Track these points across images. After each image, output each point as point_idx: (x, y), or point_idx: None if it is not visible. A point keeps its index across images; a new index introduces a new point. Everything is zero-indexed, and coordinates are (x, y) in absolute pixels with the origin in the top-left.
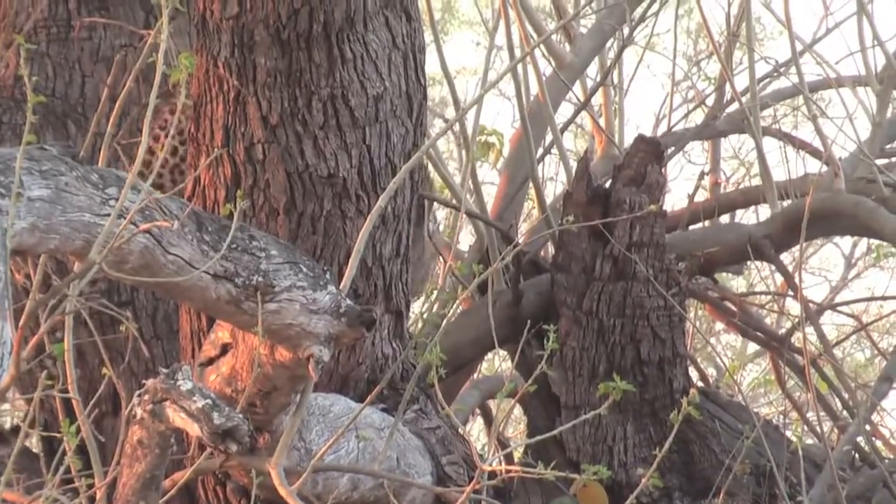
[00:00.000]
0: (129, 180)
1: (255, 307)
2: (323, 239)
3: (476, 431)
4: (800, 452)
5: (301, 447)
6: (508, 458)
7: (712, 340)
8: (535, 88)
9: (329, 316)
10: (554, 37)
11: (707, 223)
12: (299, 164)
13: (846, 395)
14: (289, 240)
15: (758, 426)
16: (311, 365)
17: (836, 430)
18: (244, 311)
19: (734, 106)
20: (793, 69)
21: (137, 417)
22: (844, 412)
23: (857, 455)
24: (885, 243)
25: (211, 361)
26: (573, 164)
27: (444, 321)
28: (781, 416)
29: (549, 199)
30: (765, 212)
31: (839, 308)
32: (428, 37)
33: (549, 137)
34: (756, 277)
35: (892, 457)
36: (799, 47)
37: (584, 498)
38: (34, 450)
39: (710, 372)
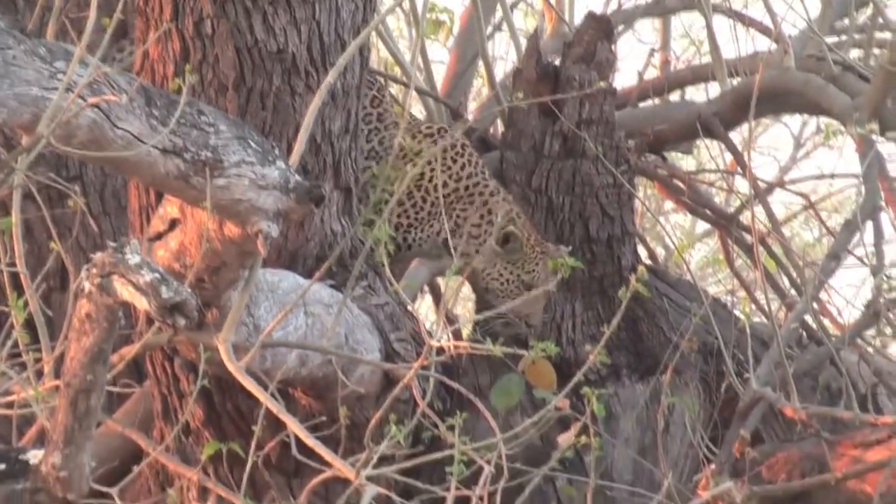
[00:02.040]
0: (77, 54)
1: (203, 182)
2: (272, 115)
3: (424, 308)
4: (747, 330)
5: (249, 323)
6: (457, 335)
7: (661, 219)
8: None
9: (278, 192)
10: None
11: (657, 101)
12: (248, 40)
13: (794, 274)
14: (238, 116)
15: (706, 304)
16: (260, 241)
17: (783, 308)
18: (193, 187)
19: None
20: None
21: (85, 291)
22: (792, 290)
23: (804, 333)
24: (834, 122)
25: (159, 237)
26: (523, 42)
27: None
28: (729, 295)
29: (498, 77)
30: (714, 90)
31: (788, 186)
32: None
33: (499, 15)
34: (706, 156)
35: (838, 334)
36: None
37: (532, 375)
38: None
39: (659, 251)
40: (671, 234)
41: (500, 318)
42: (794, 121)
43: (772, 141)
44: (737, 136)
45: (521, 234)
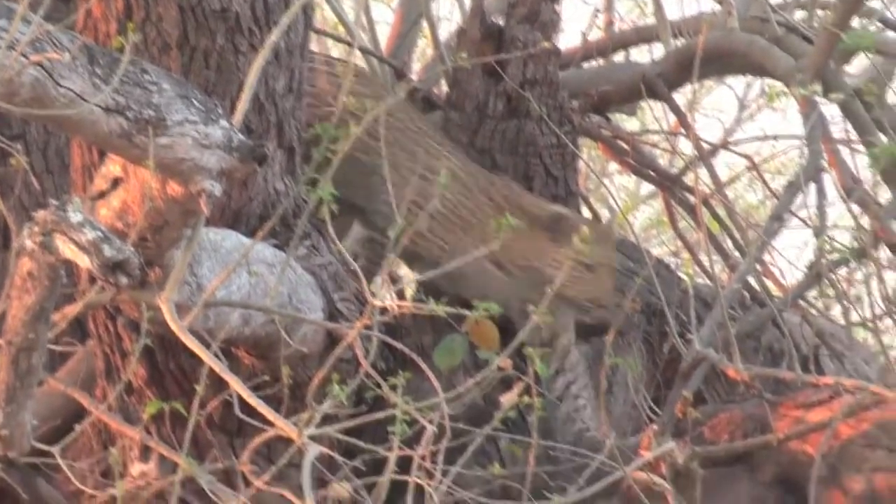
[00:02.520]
0: (20, 12)
1: (146, 141)
2: (215, 74)
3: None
4: (690, 291)
5: (192, 282)
6: (400, 295)
7: (606, 181)
8: None
9: (221, 151)
10: None
11: (601, 62)
12: None
13: (737, 235)
14: (181, 75)
15: (649, 265)
16: (203, 200)
17: (726, 270)
18: (136, 146)
19: None
20: None
21: (27, 249)
22: (735, 252)
23: (747, 294)
24: (777, 83)
25: (102, 195)
26: (467, 3)
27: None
28: (673, 256)
29: (443, 37)
30: (659, 51)
31: (732, 148)
32: None
33: None
34: (650, 118)
35: (781, 296)
36: None
37: (475, 335)
38: None
39: (604, 212)
40: (615, 196)
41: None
42: (738, 82)
43: (716, 103)
44: (681, 97)
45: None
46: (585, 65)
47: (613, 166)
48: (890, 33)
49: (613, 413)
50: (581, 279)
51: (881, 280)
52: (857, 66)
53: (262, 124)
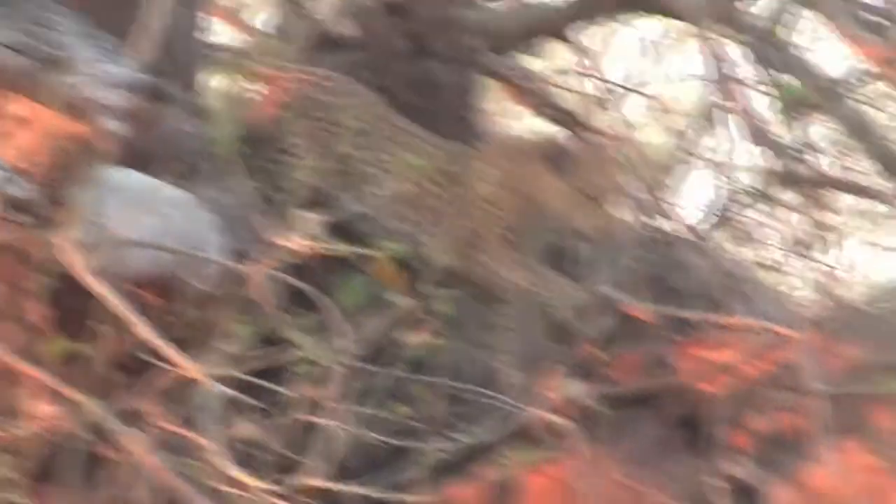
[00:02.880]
0: None
1: (52, 81)
2: (120, 13)
3: None
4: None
5: (97, 222)
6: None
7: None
8: None
9: (125, 90)
10: None
11: (506, 2)
12: None
13: (645, 176)
14: (84, 13)
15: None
16: (108, 139)
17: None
18: (41, 85)
19: None
20: None
21: None
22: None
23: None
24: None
25: (6, 135)
26: None
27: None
28: None
29: None
30: None
31: (637, 89)
32: None
33: None
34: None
35: (687, 236)
36: None
37: (379, 274)
38: None
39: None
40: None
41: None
42: (645, 23)
43: (621, 43)
44: (587, 38)
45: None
46: (491, 4)
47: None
48: None
49: (520, 354)
50: (585, 208)
51: (786, 221)
52: (763, 6)
53: (168, 64)
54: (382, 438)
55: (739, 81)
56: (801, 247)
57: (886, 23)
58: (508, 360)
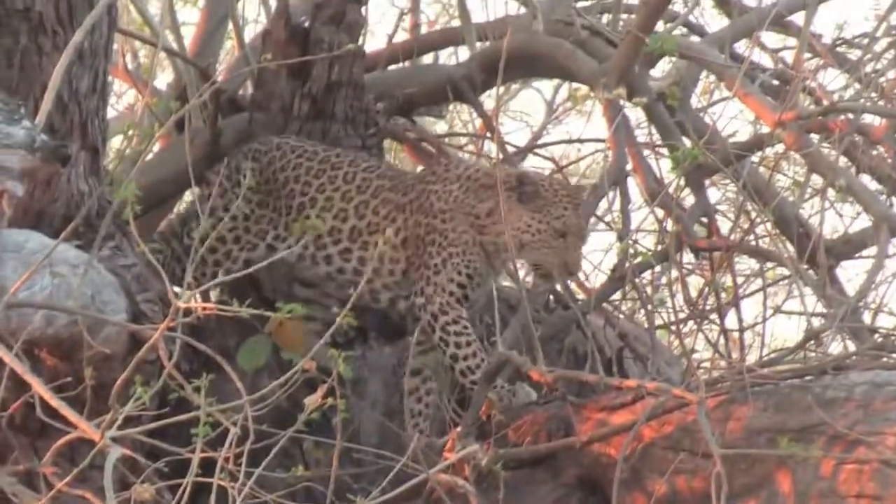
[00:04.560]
0: None
1: None
2: (18, 74)
3: None
4: (495, 293)
5: None
6: (205, 297)
7: None
8: None
9: (23, 151)
10: None
11: (407, 64)
12: None
13: None
14: None
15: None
16: (5, 200)
17: (531, 273)
18: None
19: None
20: None
21: None
22: None
23: (551, 297)
24: (583, 86)
25: None
26: (273, 3)
27: (141, 158)
28: None
29: (249, 38)
30: (464, 53)
31: (537, 150)
32: None
33: None
34: (458, 120)
35: (585, 298)
36: None
37: (279, 336)
38: None
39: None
40: None
41: (536, 269)
42: (546, 86)
43: (524, 105)
44: (488, 100)
45: (535, 177)
46: (391, 67)
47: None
48: (694, 37)
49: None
50: (551, 246)
51: (684, 284)
52: (661, 69)
53: (65, 125)
54: (279, 500)
55: (639, 144)
56: (700, 309)
57: (784, 86)
58: (407, 420)
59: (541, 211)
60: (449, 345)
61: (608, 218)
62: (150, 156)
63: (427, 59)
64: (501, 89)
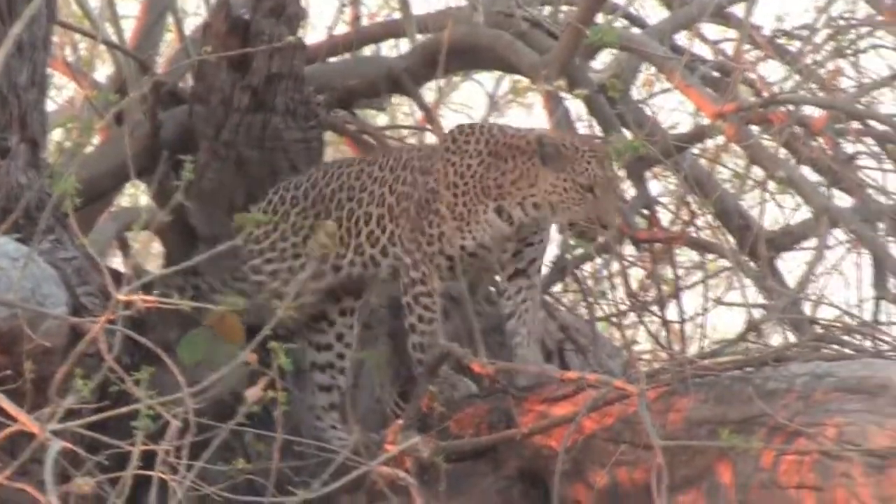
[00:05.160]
0: None
1: None
2: None
3: (115, 263)
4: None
5: None
6: (146, 289)
7: None
8: None
9: None
10: None
11: (347, 56)
12: None
13: None
14: None
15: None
16: None
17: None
18: None
19: None
20: None
21: None
22: None
23: (493, 289)
24: (524, 78)
25: None
26: None
27: (81, 151)
28: None
29: (189, 31)
30: (405, 46)
31: None
32: None
33: None
34: (399, 113)
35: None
36: None
37: (220, 329)
38: None
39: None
40: None
41: (572, 228)
42: (488, 78)
43: (466, 98)
44: (430, 92)
45: (553, 139)
46: (332, 59)
47: None
48: (634, 29)
49: (360, 407)
50: (583, 200)
51: (625, 276)
52: (602, 61)
53: (4, 117)
54: (220, 493)
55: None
56: (641, 301)
57: (724, 77)
58: (349, 412)
59: (564, 170)
60: (413, 313)
61: None
62: (90, 149)
63: (368, 51)
64: (442, 81)
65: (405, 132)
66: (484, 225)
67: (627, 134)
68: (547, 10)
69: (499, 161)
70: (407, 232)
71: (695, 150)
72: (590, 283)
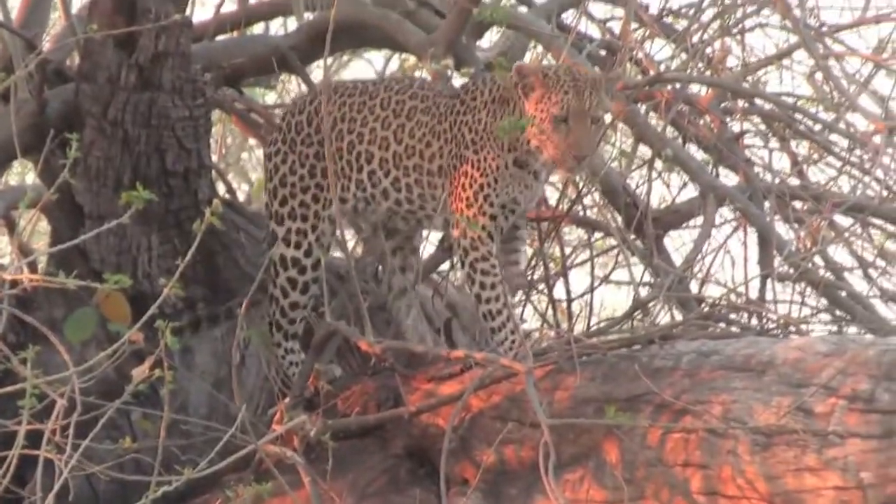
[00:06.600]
0: None
1: None
2: None
3: (1, 243)
4: (322, 264)
5: None
6: (32, 268)
7: (246, 155)
8: None
9: None
10: None
11: (235, 34)
12: None
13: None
14: None
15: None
16: None
17: (360, 243)
18: None
19: None
20: None
21: None
22: None
23: (379, 267)
24: (412, 56)
25: None
26: None
27: None
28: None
29: (75, 8)
30: (293, 24)
31: None
32: None
33: None
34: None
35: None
36: None
37: (106, 308)
38: None
39: (245, 186)
40: (254, 170)
41: (553, 166)
42: (377, 56)
43: (355, 76)
44: (319, 70)
45: (534, 67)
46: (219, 37)
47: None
48: (521, 8)
49: (247, 386)
50: (554, 134)
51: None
52: (490, 40)
53: None
54: (107, 472)
55: None
56: (528, 279)
57: (611, 56)
58: (235, 391)
59: (541, 100)
60: (475, 283)
61: None
62: None
63: (256, 29)
64: (331, 60)
65: None
66: (508, 178)
67: None
68: None
69: (503, 106)
70: (442, 203)
71: None
72: None
